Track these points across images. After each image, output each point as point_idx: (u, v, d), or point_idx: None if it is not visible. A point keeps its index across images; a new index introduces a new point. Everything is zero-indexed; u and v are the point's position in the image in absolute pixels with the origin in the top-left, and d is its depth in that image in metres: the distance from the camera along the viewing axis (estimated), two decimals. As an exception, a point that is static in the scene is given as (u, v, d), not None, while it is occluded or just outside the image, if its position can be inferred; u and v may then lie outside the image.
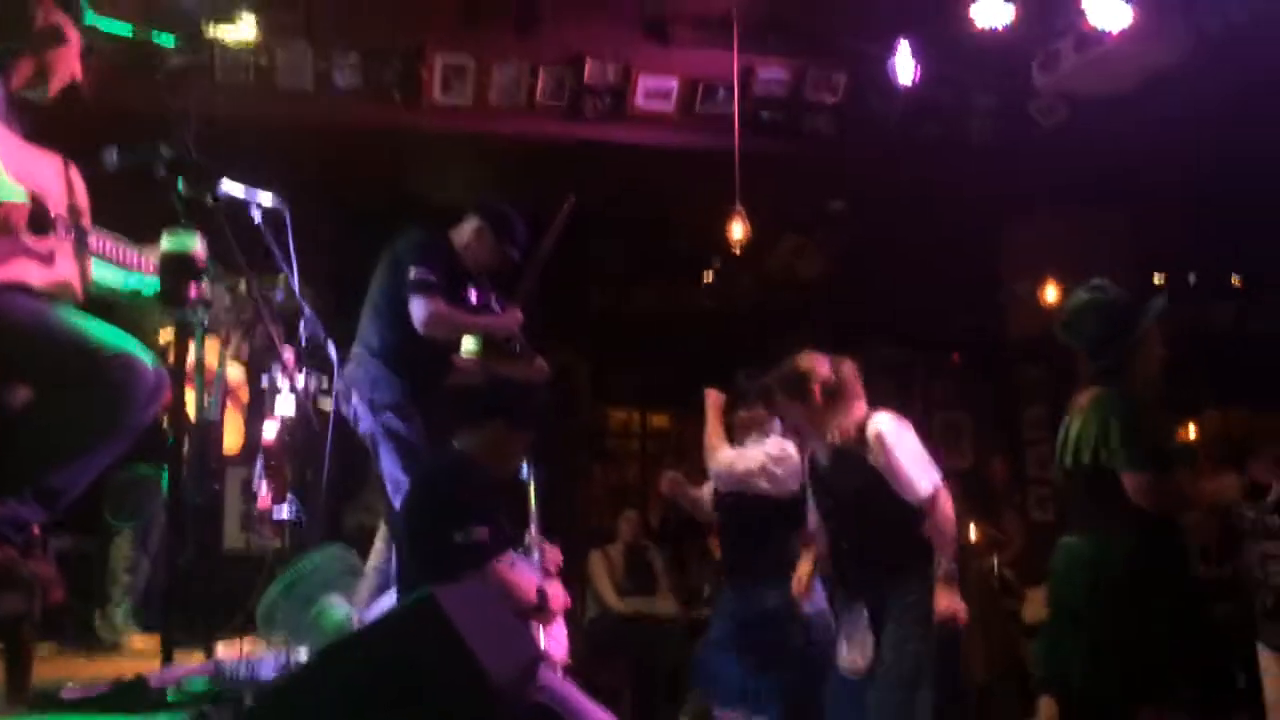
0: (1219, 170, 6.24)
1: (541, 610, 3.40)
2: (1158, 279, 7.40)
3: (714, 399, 4.48)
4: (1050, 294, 7.18)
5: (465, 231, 4.07)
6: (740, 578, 4.40)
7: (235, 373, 4.22)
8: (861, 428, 3.51)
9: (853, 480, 3.56)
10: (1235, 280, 8.38)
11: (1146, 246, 7.27)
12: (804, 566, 4.02)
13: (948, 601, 3.35)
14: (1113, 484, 3.18)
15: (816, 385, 3.60)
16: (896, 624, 3.44)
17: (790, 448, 4.35)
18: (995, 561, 6.89)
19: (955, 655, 3.43)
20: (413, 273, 3.79)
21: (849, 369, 3.64)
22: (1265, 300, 8.44)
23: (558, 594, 3.47)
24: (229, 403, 4.06)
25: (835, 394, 3.58)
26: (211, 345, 3.59)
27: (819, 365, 3.64)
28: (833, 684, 3.68)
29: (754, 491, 4.22)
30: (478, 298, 4.11)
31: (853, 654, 3.53)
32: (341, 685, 1.87)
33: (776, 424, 4.42)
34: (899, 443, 3.46)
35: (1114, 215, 7.35)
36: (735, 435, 4.51)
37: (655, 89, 5.81)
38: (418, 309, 3.75)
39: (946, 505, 3.43)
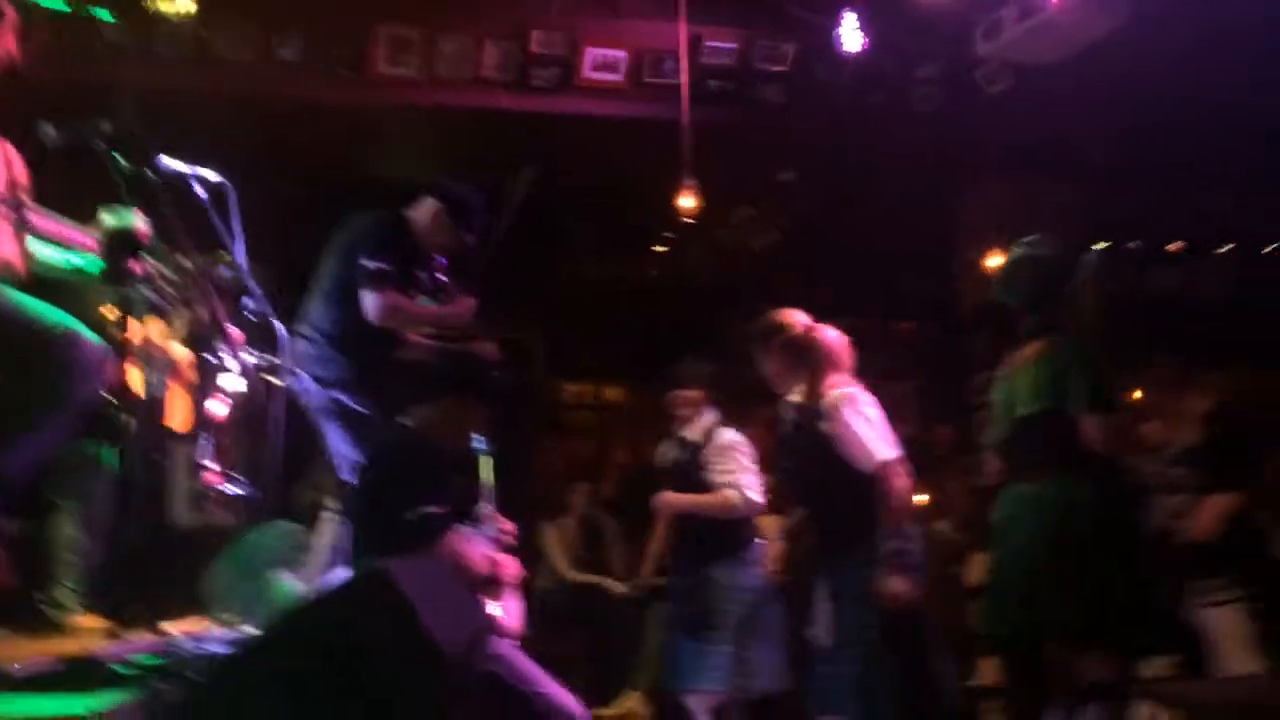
0: (1160, 136, 6.35)
1: (494, 582, 3.42)
2: (1100, 245, 7.54)
3: (669, 502, 4.47)
4: (997, 262, 7.27)
5: (422, 213, 4.00)
6: (688, 560, 4.48)
7: (181, 351, 4.18)
8: (824, 395, 3.50)
9: (808, 444, 3.56)
10: (1175, 246, 8.56)
11: (1092, 214, 7.39)
12: (776, 544, 4.02)
13: (892, 584, 3.33)
14: (1069, 428, 3.23)
15: (778, 340, 3.62)
16: (851, 601, 3.44)
17: (740, 437, 4.45)
18: (940, 527, 7.00)
19: (915, 634, 3.39)
20: (366, 262, 3.73)
21: (832, 337, 3.61)
22: (1204, 266, 8.64)
23: (510, 566, 3.48)
24: (175, 381, 4.02)
25: (800, 353, 3.58)
26: (156, 323, 3.55)
27: (793, 323, 3.65)
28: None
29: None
30: (432, 281, 4.07)
31: (816, 627, 3.53)
32: (292, 656, 1.89)
33: (713, 413, 4.50)
34: (856, 412, 3.44)
35: (1061, 183, 7.45)
36: (674, 416, 4.58)
37: (603, 60, 5.80)
38: (370, 301, 3.70)
39: (898, 479, 3.38)
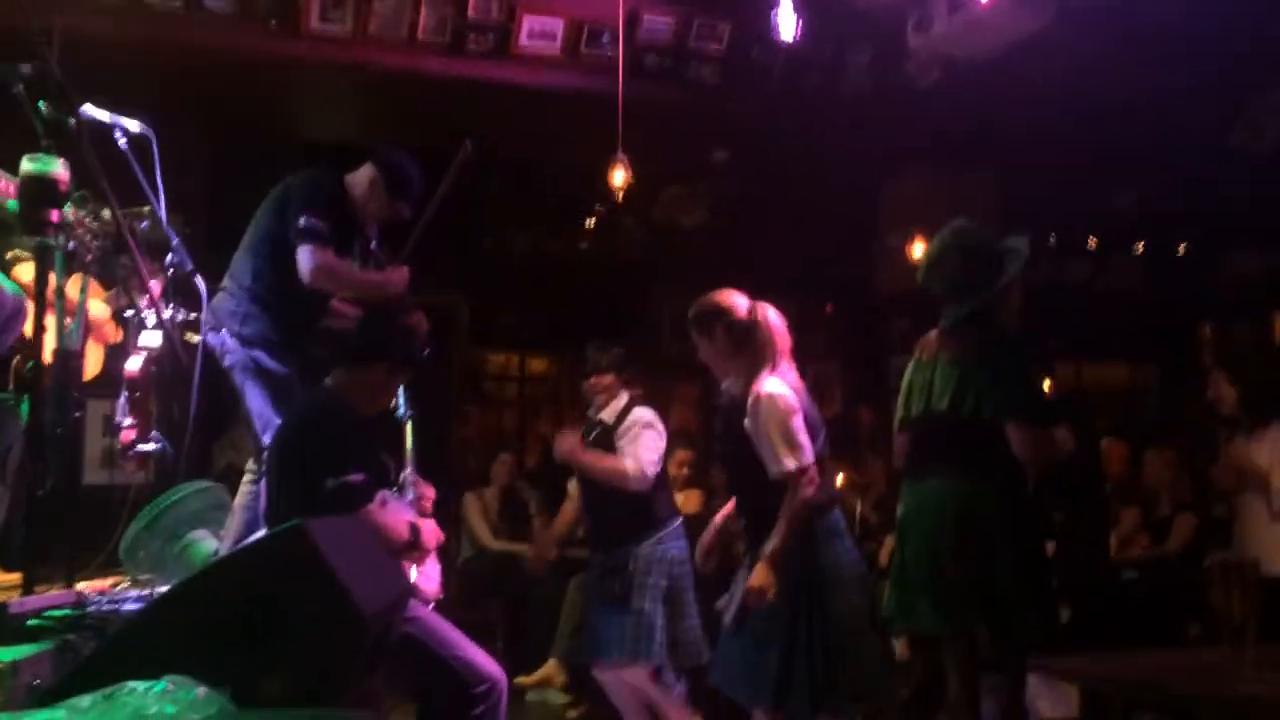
0: (1079, 133, 6.53)
1: (415, 548, 3.41)
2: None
3: (568, 446, 4.47)
4: (919, 249, 7.42)
5: (360, 180, 3.92)
6: (603, 539, 4.53)
7: (99, 305, 4.09)
8: (753, 385, 3.41)
9: (732, 432, 3.51)
10: (1091, 241, 8.81)
11: (1012, 206, 7.56)
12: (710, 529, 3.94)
13: (759, 579, 3.25)
14: (987, 431, 3.23)
15: (722, 325, 3.50)
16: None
17: (653, 414, 4.49)
18: (859, 506, 7.15)
19: (821, 612, 3.30)
20: (302, 220, 3.63)
21: (773, 319, 3.50)
22: (1118, 259, 8.91)
23: (431, 531, 3.48)
24: (92, 335, 3.93)
25: (742, 339, 3.47)
26: (75, 275, 3.47)
27: (734, 306, 3.52)
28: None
29: None
30: (364, 248, 4.02)
31: (728, 602, 3.51)
32: (206, 611, 1.88)
33: (625, 394, 4.55)
34: (772, 415, 3.34)
35: (983, 174, 7.62)
36: (587, 402, 4.64)
37: (540, 29, 5.77)
38: (305, 258, 3.61)
39: (804, 488, 3.30)
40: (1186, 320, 8.64)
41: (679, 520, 4.52)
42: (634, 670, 4.35)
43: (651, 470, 4.35)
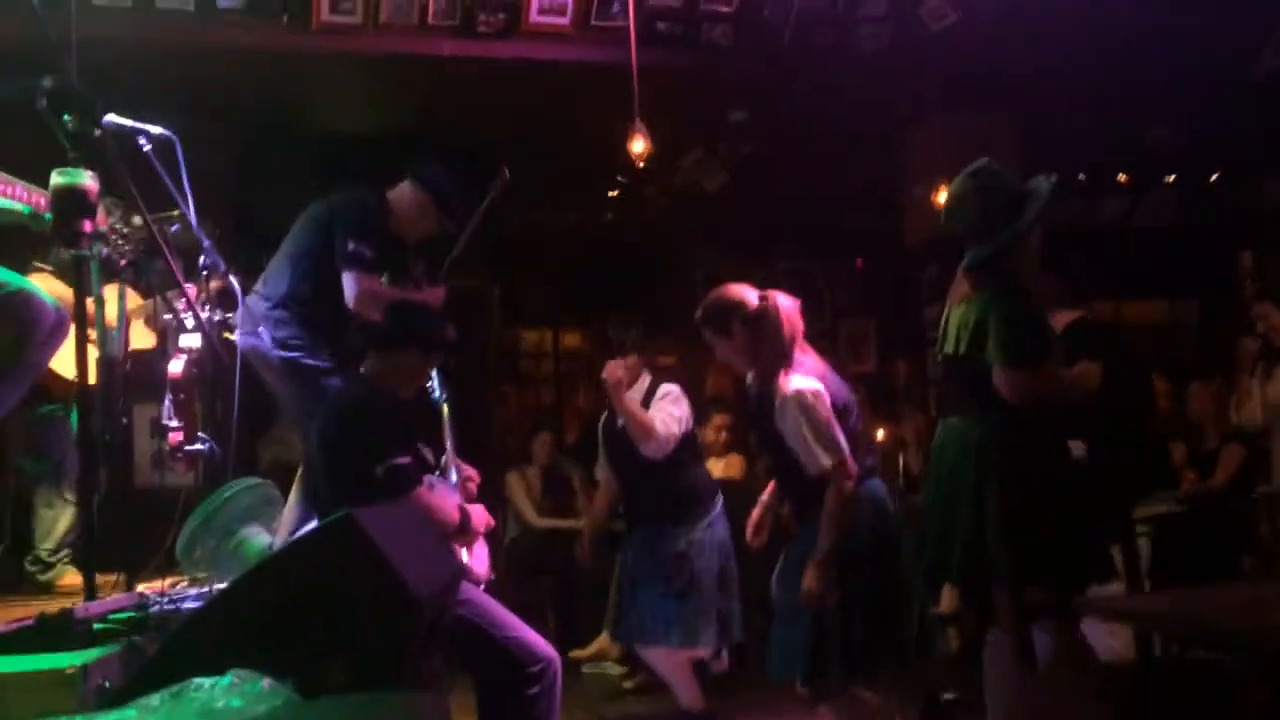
0: (1102, 67, 6.42)
1: (464, 531, 3.45)
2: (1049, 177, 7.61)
3: (617, 378, 4.41)
4: (944, 197, 7.34)
5: (404, 201, 3.95)
6: (649, 518, 4.55)
7: (138, 311, 4.15)
8: (778, 378, 3.40)
9: (764, 424, 3.51)
10: (1122, 177, 8.67)
11: (1038, 147, 7.45)
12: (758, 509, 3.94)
13: (811, 582, 3.27)
14: (985, 374, 3.23)
15: (738, 320, 3.48)
16: (796, 565, 3.40)
17: (677, 388, 4.49)
18: (900, 459, 7.14)
19: (853, 581, 3.32)
20: (350, 245, 3.69)
21: (786, 307, 3.48)
22: (1150, 196, 8.77)
23: (480, 514, 3.52)
24: (133, 342, 4.00)
25: (759, 331, 3.46)
26: (112, 283, 3.52)
27: (745, 300, 3.51)
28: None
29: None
30: (403, 269, 4.05)
31: (775, 586, 3.55)
32: (264, 605, 1.91)
33: (647, 370, 4.54)
34: (802, 414, 3.33)
35: (1006, 117, 7.50)
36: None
37: (549, 3, 5.73)
38: (351, 285, 3.67)
39: (842, 484, 3.30)
40: (1224, 252, 8.51)
41: (720, 499, 4.54)
42: (683, 653, 4.40)
43: (675, 436, 4.35)
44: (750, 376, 3.62)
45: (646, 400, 4.50)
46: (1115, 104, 7.03)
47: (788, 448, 3.40)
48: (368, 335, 3.52)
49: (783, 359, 3.42)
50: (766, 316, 3.45)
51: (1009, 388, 3.19)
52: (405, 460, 3.22)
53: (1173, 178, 8.69)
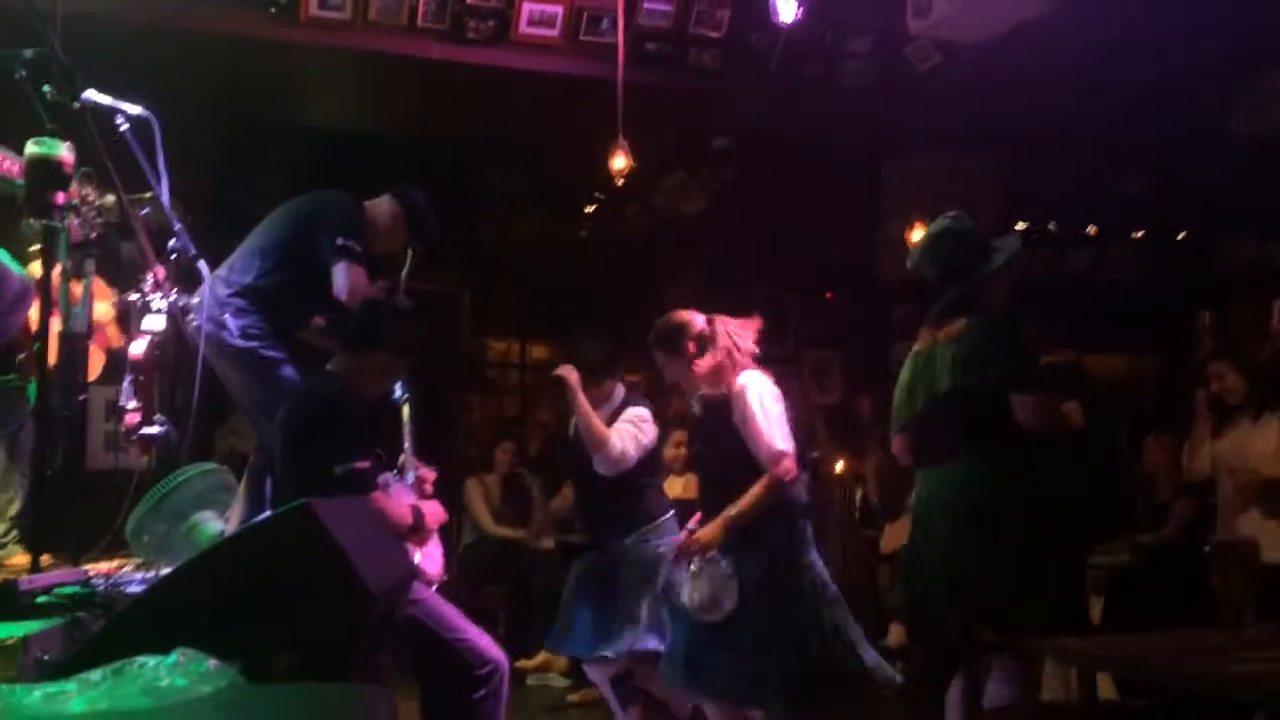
0: (1080, 118, 6.53)
1: (418, 530, 3.44)
2: (1020, 226, 7.71)
3: (572, 377, 4.36)
4: (919, 235, 7.41)
5: (381, 213, 3.98)
6: (597, 532, 4.53)
7: (102, 308, 4.10)
8: (729, 384, 3.56)
9: (715, 433, 3.62)
10: (1091, 229, 8.80)
11: (1013, 191, 7.56)
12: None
13: (708, 533, 3.44)
14: (986, 407, 3.26)
15: (689, 340, 3.64)
16: (745, 590, 3.45)
17: (647, 413, 4.41)
18: (858, 494, 7.18)
19: (794, 607, 3.40)
20: (340, 240, 3.70)
21: (724, 325, 3.64)
22: (1118, 249, 8.90)
23: (434, 512, 3.51)
24: (98, 319, 3.94)
25: (707, 348, 3.62)
26: (81, 258, 3.48)
27: (693, 320, 3.69)
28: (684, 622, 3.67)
29: None
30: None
31: (707, 598, 3.52)
32: (215, 588, 1.89)
33: (620, 391, 4.51)
34: (759, 402, 3.48)
35: (984, 160, 7.62)
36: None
37: (540, 14, 5.76)
38: (344, 275, 3.66)
39: (783, 471, 3.41)
40: (1186, 309, 8.64)
41: (669, 517, 4.48)
42: (598, 666, 4.37)
43: (630, 455, 4.28)
44: (695, 397, 3.75)
45: (614, 417, 4.47)
46: (1092, 155, 7.15)
47: (733, 453, 3.49)
48: (338, 334, 3.51)
49: (735, 367, 3.57)
50: (713, 334, 3.61)
51: (1031, 410, 3.22)
52: (364, 464, 3.21)
53: (1141, 233, 8.83)
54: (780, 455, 3.43)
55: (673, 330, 3.70)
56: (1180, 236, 8.79)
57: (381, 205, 4.00)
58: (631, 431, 4.33)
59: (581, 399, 4.33)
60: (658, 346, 3.74)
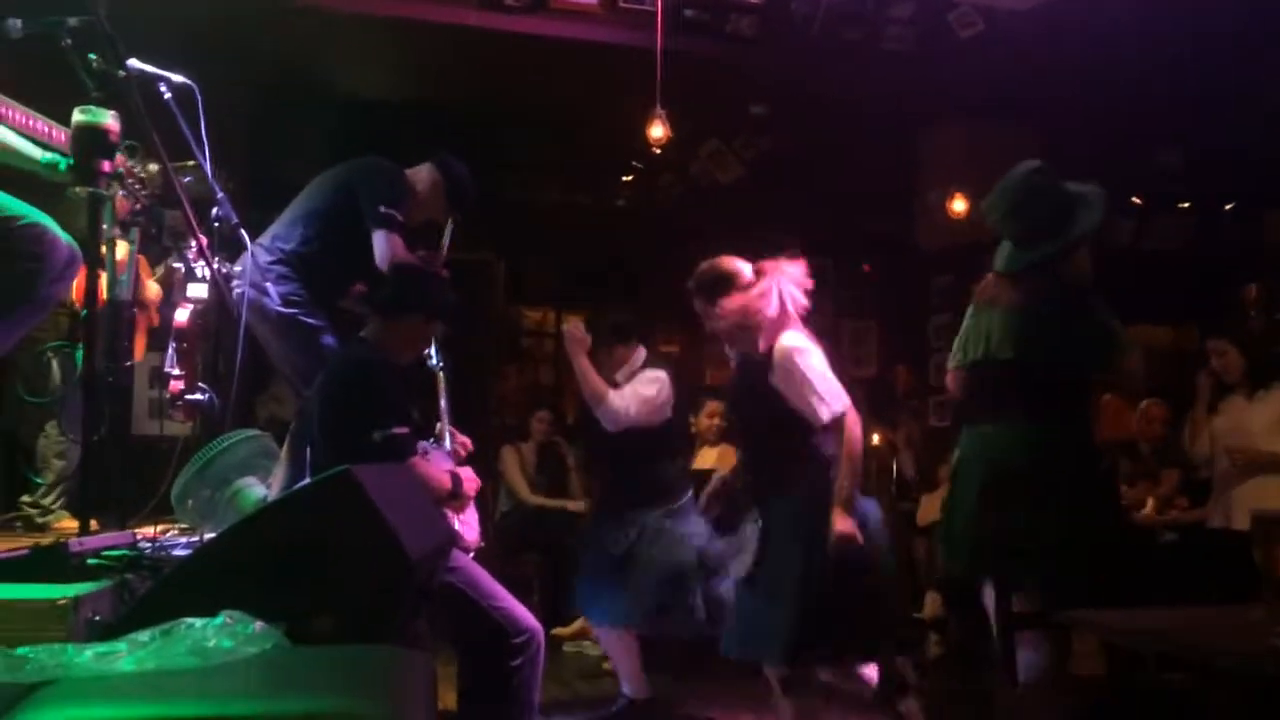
0: (1123, 87, 6.42)
1: (456, 497, 3.47)
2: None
3: (577, 337, 4.38)
4: (959, 205, 7.34)
5: (422, 180, 4.01)
6: (613, 505, 4.54)
7: (152, 288, 4.15)
8: (771, 343, 3.37)
9: (752, 393, 3.49)
10: (1136, 199, 8.67)
11: (1054, 161, 7.44)
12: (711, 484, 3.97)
13: (842, 524, 3.25)
14: (1054, 380, 3.22)
15: (736, 290, 3.46)
16: (775, 538, 3.40)
17: (663, 376, 4.44)
18: (894, 465, 7.16)
19: (842, 570, 3.28)
20: (383, 208, 3.73)
21: (778, 277, 3.43)
22: (1162, 220, 8.76)
23: (470, 479, 3.53)
24: (143, 286, 4.00)
25: (751, 300, 3.42)
26: (126, 227, 3.52)
27: (740, 272, 3.49)
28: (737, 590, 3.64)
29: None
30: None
31: (740, 561, 3.52)
32: (258, 552, 1.92)
33: (640, 356, 4.51)
34: (804, 364, 3.33)
35: (1024, 129, 7.50)
36: (604, 373, 4.53)
37: (578, -18, 5.74)
38: (384, 243, 3.69)
39: (853, 428, 3.31)
40: (1231, 279, 8.50)
41: (689, 493, 4.47)
42: (621, 634, 4.44)
43: (630, 414, 4.29)
44: (736, 350, 3.57)
45: (629, 377, 4.47)
46: (1134, 124, 7.03)
47: (774, 413, 3.37)
48: (372, 299, 3.53)
49: (782, 323, 3.38)
50: (765, 287, 3.40)
51: (1125, 376, 3.24)
52: (403, 429, 3.23)
53: (1186, 204, 8.69)
54: (840, 415, 3.30)
55: (719, 277, 3.49)
56: (1226, 207, 8.65)
57: (421, 173, 4.02)
58: (636, 390, 4.33)
59: (581, 356, 4.32)
60: (698, 295, 3.53)
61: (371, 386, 3.27)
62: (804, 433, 3.37)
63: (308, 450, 3.60)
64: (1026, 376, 3.27)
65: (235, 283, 3.71)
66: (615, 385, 4.47)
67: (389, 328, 3.41)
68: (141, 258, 3.91)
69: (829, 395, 3.32)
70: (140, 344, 4.14)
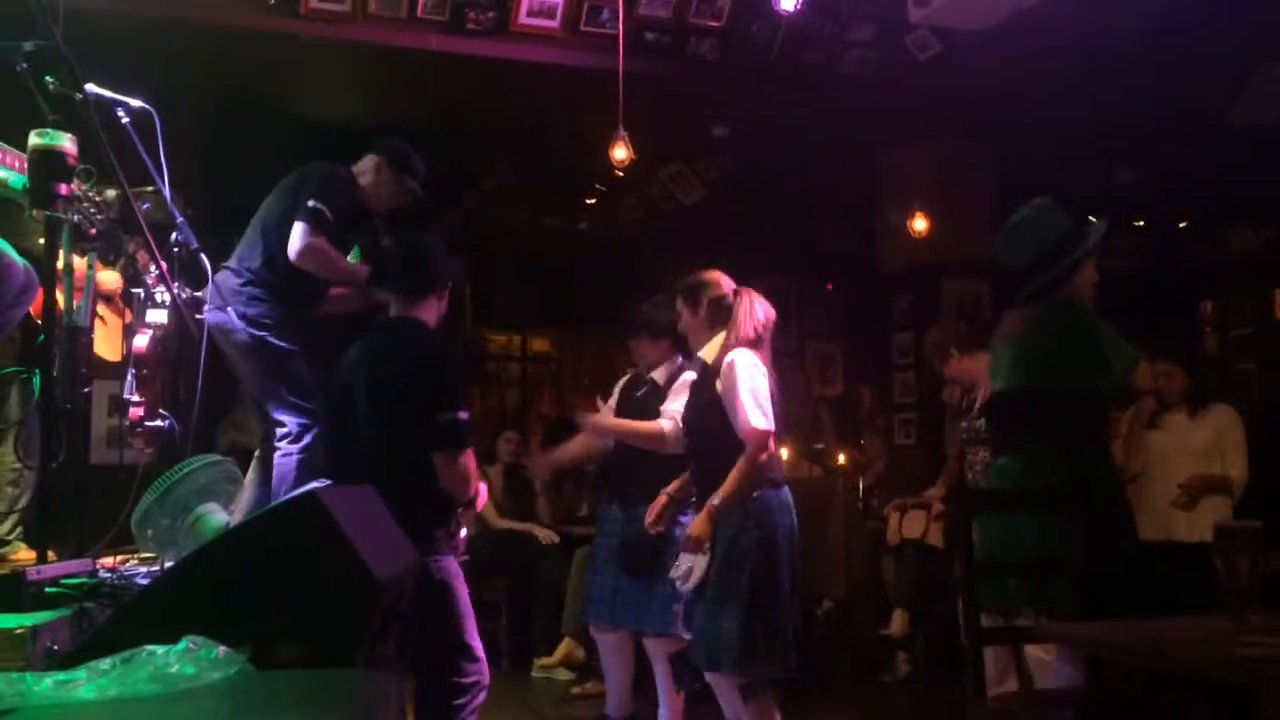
0: (1080, 106, 6.51)
1: (473, 504, 3.47)
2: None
3: (597, 425, 4.41)
4: (919, 224, 7.42)
5: (365, 169, 4.03)
6: (626, 498, 4.50)
7: (109, 281, 4.10)
8: (722, 356, 3.56)
9: (701, 402, 3.64)
10: (1092, 218, 8.77)
11: (1013, 181, 7.55)
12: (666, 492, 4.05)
13: (698, 528, 3.43)
14: (1054, 402, 3.27)
15: (707, 298, 3.69)
16: (719, 551, 3.49)
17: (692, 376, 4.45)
18: (860, 483, 7.18)
19: (774, 577, 3.44)
20: (311, 202, 3.74)
21: (749, 301, 3.64)
22: (1118, 239, 8.89)
23: (481, 490, 3.55)
24: (101, 312, 3.95)
25: (721, 314, 3.64)
26: (84, 252, 3.47)
27: (721, 282, 3.72)
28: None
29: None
30: (371, 243, 4.11)
31: (684, 573, 3.58)
32: (222, 577, 1.89)
33: (677, 359, 4.49)
34: (744, 378, 3.47)
35: (983, 149, 7.61)
36: (635, 359, 4.60)
37: (539, 5, 5.75)
38: (298, 237, 3.70)
39: (758, 450, 3.41)
40: (1187, 298, 8.64)
41: None
42: (661, 641, 4.32)
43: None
44: (698, 355, 3.77)
45: (669, 382, 4.44)
46: (1091, 144, 7.14)
47: (715, 423, 3.51)
48: (395, 287, 3.50)
49: (738, 341, 3.57)
50: (732, 302, 3.65)
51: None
52: (465, 415, 3.24)
53: (1141, 222, 8.82)
54: (759, 434, 3.42)
55: (696, 285, 3.75)
56: (1182, 225, 8.78)
57: (364, 163, 4.05)
58: (677, 409, 4.30)
59: (623, 426, 4.32)
60: (681, 294, 3.79)
61: (455, 365, 3.31)
62: (740, 448, 3.47)
63: (275, 470, 3.58)
64: (1037, 403, 3.35)
65: (206, 306, 3.68)
66: (654, 384, 4.45)
67: (425, 306, 3.42)
68: (97, 263, 3.85)
69: (752, 412, 3.44)
70: (114, 339, 4.08)
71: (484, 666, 3.27)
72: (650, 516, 3.99)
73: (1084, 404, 3.38)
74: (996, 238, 3.59)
